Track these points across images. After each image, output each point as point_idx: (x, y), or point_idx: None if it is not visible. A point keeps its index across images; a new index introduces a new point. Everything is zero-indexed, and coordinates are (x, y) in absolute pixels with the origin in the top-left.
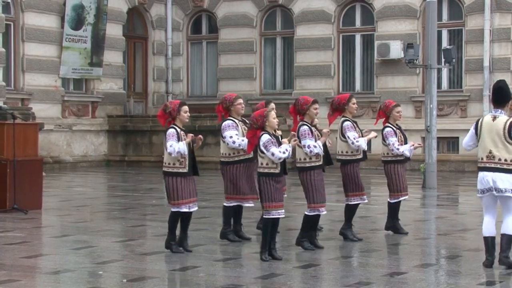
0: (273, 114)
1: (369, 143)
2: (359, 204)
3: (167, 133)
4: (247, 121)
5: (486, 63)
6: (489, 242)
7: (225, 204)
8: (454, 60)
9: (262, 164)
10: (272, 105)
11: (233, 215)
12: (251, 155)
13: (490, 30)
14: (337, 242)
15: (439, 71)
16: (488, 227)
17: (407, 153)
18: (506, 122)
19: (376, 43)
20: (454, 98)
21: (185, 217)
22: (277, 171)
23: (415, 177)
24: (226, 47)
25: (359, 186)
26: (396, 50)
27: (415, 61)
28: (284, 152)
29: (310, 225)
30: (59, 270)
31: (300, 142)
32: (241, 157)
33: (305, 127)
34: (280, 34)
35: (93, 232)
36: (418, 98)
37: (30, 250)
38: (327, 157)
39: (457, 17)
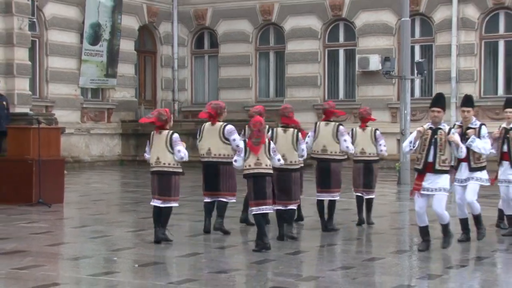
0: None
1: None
2: (326, 199)
3: (175, 138)
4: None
5: (453, 75)
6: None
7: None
8: (425, 72)
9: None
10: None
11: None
12: None
13: (457, 46)
14: (322, 232)
15: (412, 81)
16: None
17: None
18: None
19: (357, 56)
20: (425, 105)
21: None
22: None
23: (391, 174)
24: (225, 60)
25: (319, 184)
26: (374, 63)
27: (391, 72)
28: (236, 161)
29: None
30: (78, 257)
31: None
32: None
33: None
34: (273, 49)
35: (108, 223)
36: (394, 105)
37: (53, 239)
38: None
39: (428, 34)
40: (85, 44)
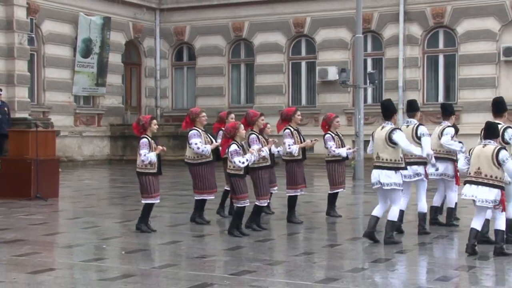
0: (242, 126)
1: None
2: (297, 195)
3: (141, 142)
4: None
5: (400, 84)
6: (371, 218)
7: (196, 197)
8: (376, 81)
9: (230, 166)
10: (232, 115)
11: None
12: (211, 158)
13: (403, 59)
14: (286, 222)
15: (365, 89)
16: (376, 210)
17: (344, 154)
18: (387, 130)
19: (317, 68)
20: (376, 111)
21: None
22: (241, 172)
23: (348, 171)
24: (202, 71)
25: (295, 181)
26: (332, 73)
27: (347, 82)
28: (243, 162)
29: (257, 212)
30: (72, 245)
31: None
32: (203, 160)
33: (253, 135)
34: (243, 61)
35: (98, 215)
36: (349, 111)
37: (49, 229)
38: (271, 160)
39: (378, 48)
40: (77, 57)
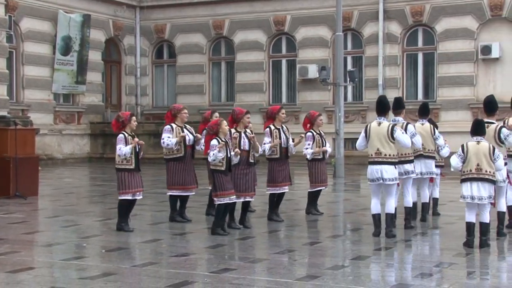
0: (225, 122)
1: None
2: (275, 193)
3: (118, 138)
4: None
5: (380, 82)
6: (376, 218)
7: (168, 193)
8: (356, 79)
9: (211, 162)
10: (217, 114)
11: (179, 202)
12: (182, 153)
13: (383, 57)
14: (267, 220)
15: (345, 87)
16: (376, 207)
17: (308, 156)
18: (388, 126)
19: (298, 66)
20: (356, 108)
21: (131, 204)
22: (222, 168)
23: (328, 168)
24: (182, 69)
25: (275, 179)
26: (313, 71)
27: (327, 80)
28: (210, 156)
29: (244, 209)
30: (51, 243)
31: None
32: (174, 155)
33: (236, 133)
34: (224, 59)
35: (78, 213)
36: (329, 108)
37: (29, 227)
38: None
39: (358, 47)
40: (57, 55)
